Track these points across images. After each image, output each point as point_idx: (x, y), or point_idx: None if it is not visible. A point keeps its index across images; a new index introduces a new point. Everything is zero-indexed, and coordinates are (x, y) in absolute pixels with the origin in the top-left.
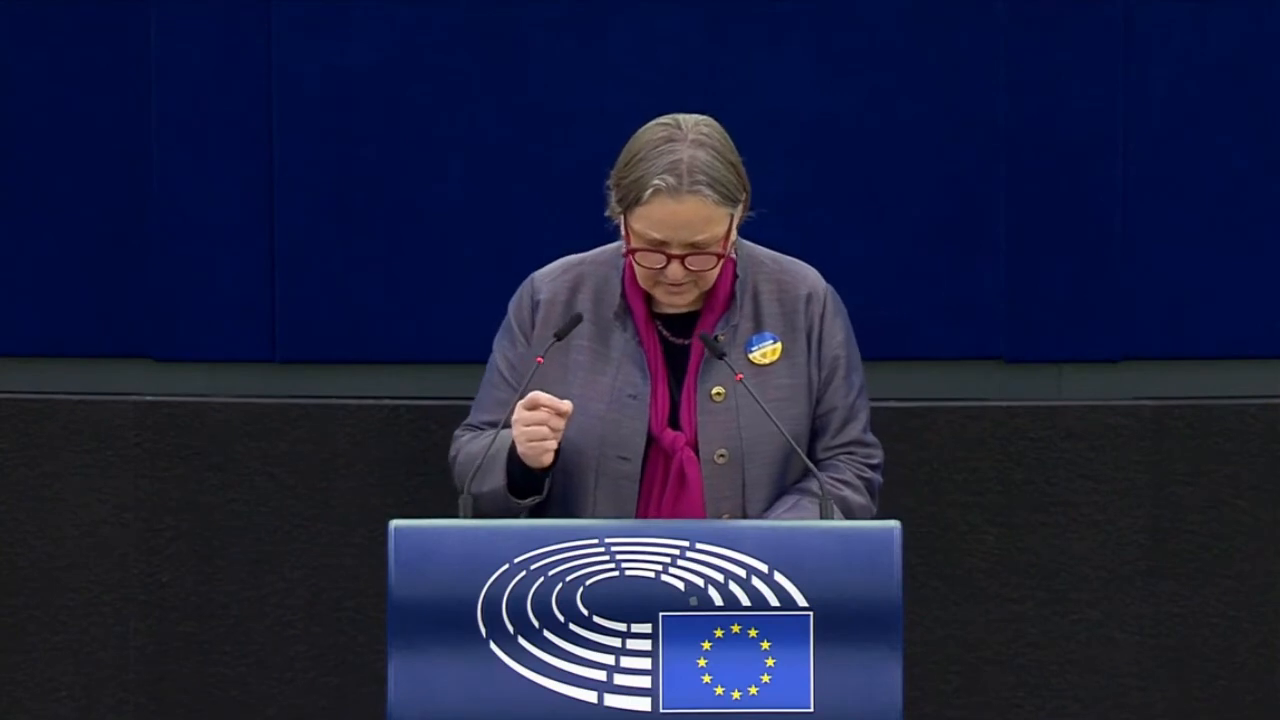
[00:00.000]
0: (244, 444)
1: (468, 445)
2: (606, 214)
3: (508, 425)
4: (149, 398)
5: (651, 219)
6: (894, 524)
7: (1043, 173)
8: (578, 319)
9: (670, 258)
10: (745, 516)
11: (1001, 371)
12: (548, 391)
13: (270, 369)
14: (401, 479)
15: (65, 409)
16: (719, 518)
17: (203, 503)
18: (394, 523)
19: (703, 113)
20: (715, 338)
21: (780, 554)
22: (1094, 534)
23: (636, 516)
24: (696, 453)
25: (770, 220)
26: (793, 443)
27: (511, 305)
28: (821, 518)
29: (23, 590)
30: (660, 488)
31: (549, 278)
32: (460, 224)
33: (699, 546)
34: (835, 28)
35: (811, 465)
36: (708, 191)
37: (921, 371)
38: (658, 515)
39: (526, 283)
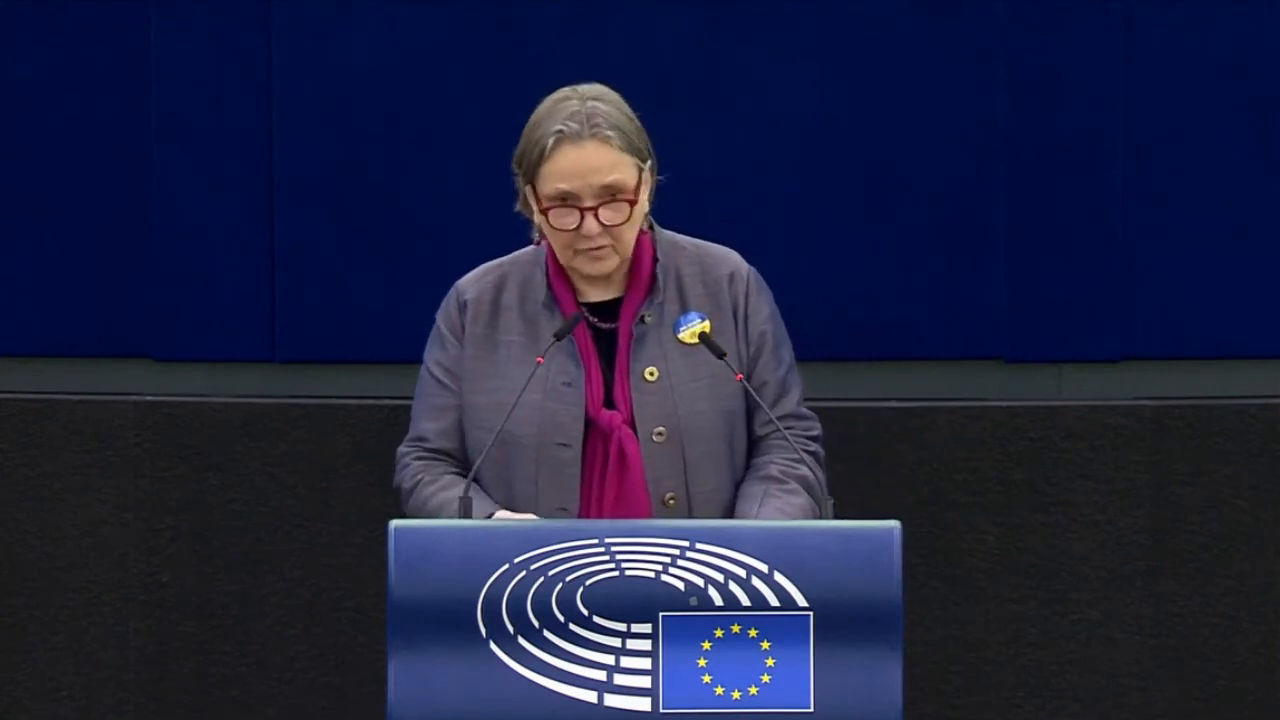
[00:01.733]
0: (244, 444)
1: (424, 495)
2: (517, 208)
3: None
4: (149, 398)
5: (556, 169)
6: (894, 524)
7: (1043, 173)
8: (577, 319)
9: (583, 213)
10: (689, 496)
11: (1001, 371)
12: (481, 386)
13: (270, 369)
14: None
15: (65, 409)
16: (662, 498)
17: (203, 503)
18: (394, 523)
19: (704, 112)
20: (641, 318)
21: (780, 554)
22: (1094, 534)
23: (580, 500)
24: (635, 432)
25: (770, 220)
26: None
27: (439, 314)
28: (821, 518)
29: (23, 590)
30: (601, 469)
31: (472, 281)
32: (460, 224)
33: (699, 546)
34: (836, 28)
35: (801, 451)
36: (609, 133)
37: (921, 371)
38: (601, 497)
39: (451, 291)
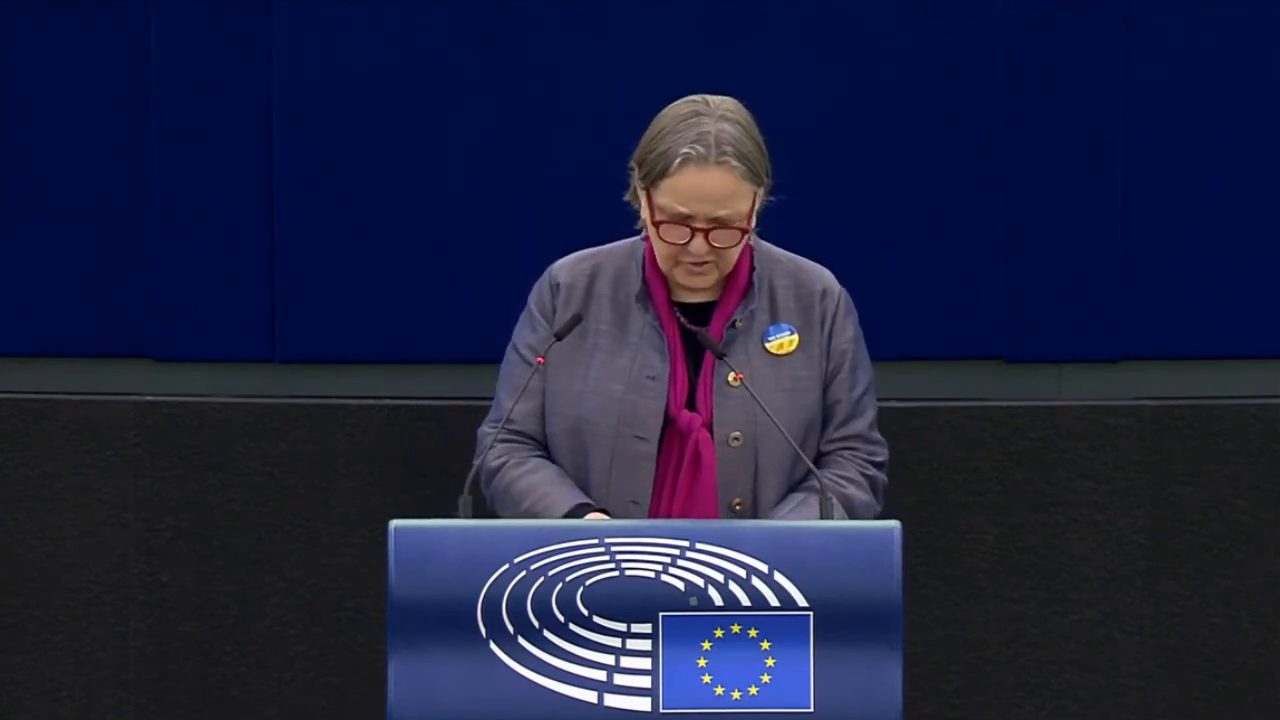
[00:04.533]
0: (244, 444)
1: (510, 476)
2: (626, 197)
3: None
4: (149, 398)
5: (678, 190)
6: (894, 524)
7: (1043, 173)
8: (577, 319)
9: (694, 232)
10: (757, 503)
11: (1002, 371)
12: (565, 372)
13: (270, 369)
14: (401, 479)
15: (65, 409)
16: (731, 503)
17: (203, 503)
18: (394, 523)
19: None
20: (733, 323)
21: (780, 554)
22: (1094, 534)
23: (652, 496)
24: (712, 435)
25: (770, 220)
26: (789, 439)
27: (532, 294)
28: (821, 517)
29: (23, 590)
30: (675, 469)
31: (567, 266)
32: (460, 224)
33: (699, 546)
34: (835, 27)
35: (811, 465)
36: (735, 164)
37: (921, 371)
38: (672, 496)
39: (545, 273)
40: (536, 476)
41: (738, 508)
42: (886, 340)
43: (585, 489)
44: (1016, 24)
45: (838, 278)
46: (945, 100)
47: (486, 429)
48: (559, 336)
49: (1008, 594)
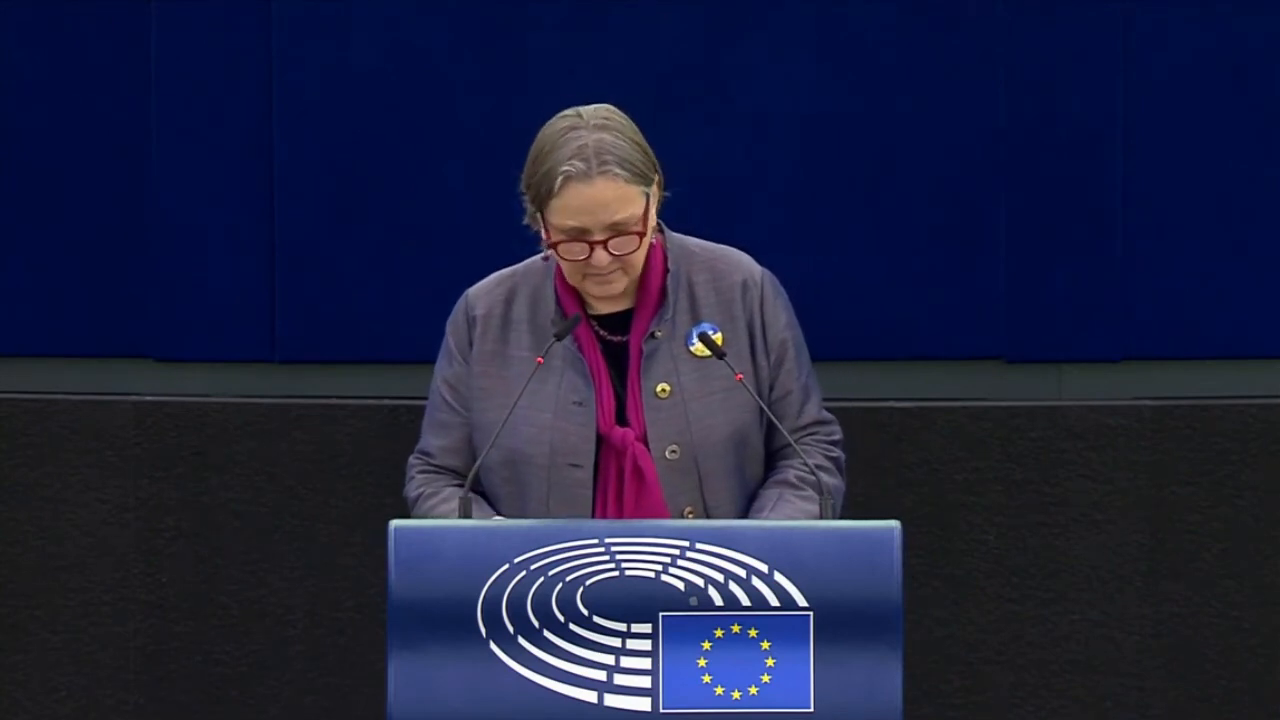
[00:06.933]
0: (244, 444)
1: (424, 508)
2: (525, 222)
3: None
4: (149, 398)
5: (567, 207)
6: (894, 524)
7: (1043, 173)
8: (576, 320)
9: (593, 245)
10: (706, 510)
11: (1002, 371)
12: (492, 403)
13: (270, 369)
14: (401, 479)
15: (65, 409)
16: (680, 513)
17: (203, 503)
18: (394, 523)
19: (704, 112)
20: (653, 334)
21: (780, 554)
22: (1094, 534)
23: (596, 518)
24: (648, 448)
25: (770, 220)
26: (784, 431)
27: (449, 326)
28: (821, 518)
29: (23, 590)
30: (616, 487)
31: (483, 293)
32: (460, 224)
33: (699, 546)
34: (835, 27)
35: (808, 462)
36: (618, 170)
37: (921, 371)
38: (619, 514)
39: (461, 300)
40: (448, 505)
41: (689, 516)
42: (886, 340)
43: (524, 518)
44: (1016, 24)
45: (839, 277)
46: (945, 100)
47: (412, 459)
48: (559, 337)
49: (1008, 594)
